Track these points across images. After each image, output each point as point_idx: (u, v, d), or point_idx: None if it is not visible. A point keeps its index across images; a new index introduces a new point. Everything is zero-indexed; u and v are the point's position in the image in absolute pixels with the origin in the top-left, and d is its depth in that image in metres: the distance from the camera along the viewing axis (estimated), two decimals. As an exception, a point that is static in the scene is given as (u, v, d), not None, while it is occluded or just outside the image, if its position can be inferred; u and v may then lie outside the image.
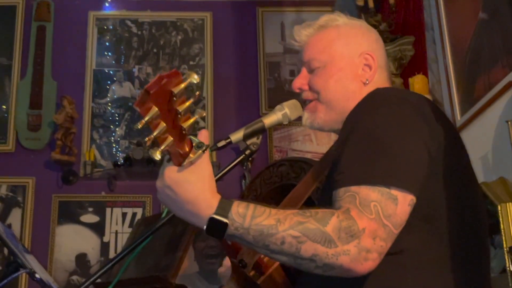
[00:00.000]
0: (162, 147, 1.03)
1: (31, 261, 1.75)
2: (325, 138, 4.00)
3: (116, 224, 3.95)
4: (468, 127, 2.77)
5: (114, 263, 1.38)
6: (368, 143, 1.18)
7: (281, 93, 4.18)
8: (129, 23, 4.40)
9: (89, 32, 4.33)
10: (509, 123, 2.18)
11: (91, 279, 1.37)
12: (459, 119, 2.85)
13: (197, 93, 1.09)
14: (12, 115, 4.09)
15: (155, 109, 1.00)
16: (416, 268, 1.17)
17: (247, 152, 1.43)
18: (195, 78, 1.04)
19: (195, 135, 1.10)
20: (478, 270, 1.26)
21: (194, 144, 1.08)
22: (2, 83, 4.17)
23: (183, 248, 2.29)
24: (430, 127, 1.23)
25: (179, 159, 1.08)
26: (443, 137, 1.24)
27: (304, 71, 1.47)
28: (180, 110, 1.02)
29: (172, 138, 1.03)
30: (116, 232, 3.94)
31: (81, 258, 3.88)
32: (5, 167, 3.98)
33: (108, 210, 3.97)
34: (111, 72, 4.29)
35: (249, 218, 1.10)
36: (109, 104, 4.21)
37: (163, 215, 1.35)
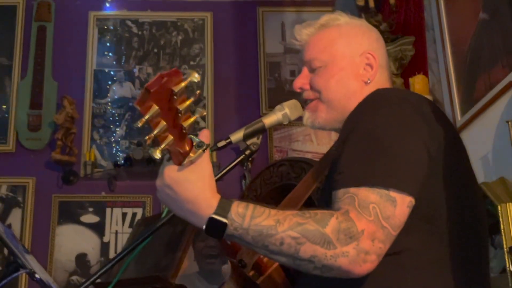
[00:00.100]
0: (162, 146, 1.03)
1: (31, 261, 1.75)
2: (326, 138, 4.00)
3: (116, 224, 3.95)
4: (468, 127, 2.77)
5: (114, 263, 1.38)
6: (368, 144, 1.18)
7: (282, 93, 4.18)
8: (129, 23, 4.40)
9: (89, 32, 4.34)
10: (510, 123, 2.18)
11: (91, 279, 1.37)
12: (459, 119, 2.85)
13: (198, 92, 1.08)
14: (13, 115, 4.09)
15: (155, 108, 1.00)
16: (415, 268, 1.17)
17: (247, 152, 1.43)
18: (195, 77, 1.04)
19: (196, 135, 1.10)
20: (478, 270, 1.26)
21: (194, 143, 1.08)
22: (2, 83, 4.17)
23: (183, 248, 2.29)
24: (430, 127, 1.22)
25: (179, 158, 1.08)
26: (443, 138, 1.24)
27: (305, 70, 1.47)
28: (180, 109, 1.02)
29: (172, 137, 1.03)
30: (116, 232, 3.94)
31: (81, 258, 3.88)
32: (5, 167, 3.98)
33: (108, 210, 3.97)
34: (111, 72, 4.29)
35: (249, 218, 1.10)
36: (110, 104, 4.21)
37: (163, 215, 1.34)
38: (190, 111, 1.06)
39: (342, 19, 1.48)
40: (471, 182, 1.32)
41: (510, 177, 2.24)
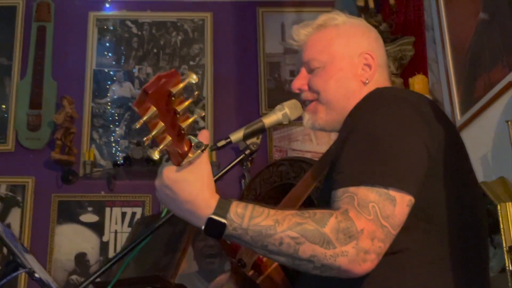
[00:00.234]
0: (161, 147, 1.03)
1: (31, 261, 1.75)
2: (325, 138, 4.00)
3: (116, 223, 3.95)
4: (468, 127, 2.77)
5: (114, 262, 1.38)
6: (367, 143, 1.18)
7: (281, 93, 4.18)
8: (129, 23, 4.40)
9: (89, 33, 4.34)
10: (509, 123, 2.18)
11: (91, 279, 1.37)
12: (459, 119, 2.85)
13: (196, 93, 1.08)
14: (12, 115, 4.09)
15: (153, 109, 1.00)
16: (415, 268, 1.17)
17: (247, 151, 1.43)
18: (193, 78, 1.04)
19: (195, 135, 1.10)
20: (478, 270, 1.26)
21: (193, 144, 1.08)
22: (2, 83, 4.17)
23: (183, 248, 2.29)
24: (430, 126, 1.22)
25: (178, 159, 1.08)
26: (443, 137, 1.23)
27: (303, 71, 1.46)
28: (178, 110, 1.02)
29: (170, 138, 1.03)
30: (116, 232, 3.94)
31: (81, 258, 3.88)
32: (4, 166, 3.98)
33: (107, 209, 3.97)
34: (111, 72, 4.29)
35: (248, 218, 1.10)
36: (109, 104, 4.21)
37: (163, 214, 1.35)
38: (189, 111, 1.06)
39: (339, 18, 1.47)
40: (471, 181, 1.31)
41: (509, 177, 2.25)
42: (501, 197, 2.09)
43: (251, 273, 1.35)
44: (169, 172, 1.10)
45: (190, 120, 1.06)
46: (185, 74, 1.04)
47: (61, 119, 3.92)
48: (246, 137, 1.43)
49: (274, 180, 1.86)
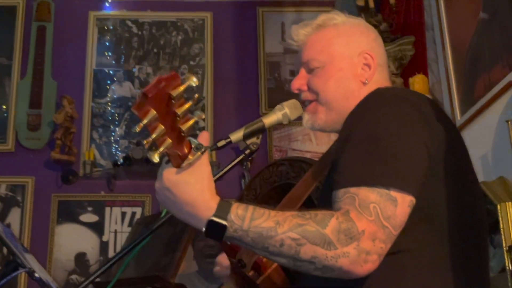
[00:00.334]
0: (161, 149, 1.03)
1: (30, 261, 1.75)
2: (325, 138, 4.00)
3: (116, 223, 3.95)
4: (468, 127, 2.77)
5: (113, 262, 1.38)
6: (368, 144, 1.18)
7: (281, 93, 4.18)
8: (129, 23, 4.40)
9: (89, 32, 4.33)
10: (509, 123, 2.18)
11: (91, 279, 1.37)
12: (459, 119, 2.85)
13: (196, 95, 1.08)
14: (12, 114, 4.09)
15: (153, 112, 1.00)
16: (415, 268, 1.17)
17: (247, 151, 1.43)
18: (194, 81, 1.03)
19: (195, 135, 1.10)
20: (478, 270, 1.26)
21: (193, 146, 1.07)
22: (2, 83, 4.17)
23: (182, 248, 2.29)
24: (430, 126, 1.22)
25: (178, 161, 1.08)
26: (444, 137, 1.23)
27: (302, 71, 1.46)
28: (178, 113, 1.02)
29: (170, 140, 1.03)
30: (116, 232, 3.94)
31: (81, 258, 3.88)
32: (4, 166, 3.98)
33: (107, 209, 3.97)
34: (111, 72, 4.29)
35: (248, 220, 1.10)
36: (109, 104, 4.21)
37: (162, 214, 1.35)
38: (189, 113, 1.06)
39: (339, 18, 1.46)
40: (471, 181, 1.31)
41: (509, 177, 2.24)
42: (501, 197, 2.09)
43: (251, 273, 1.35)
44: (169, 174, 1.10)
45: (190, 122, 1.05)
46: (185, 77, 1.03)
47: (61, 119, 3.92)
48: (246, 137, 1.42)
49: (274, 180, 1.86)
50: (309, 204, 1.41)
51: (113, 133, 4.14)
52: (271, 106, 3.97)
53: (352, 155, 1.18)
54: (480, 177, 2.32)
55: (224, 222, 1.10)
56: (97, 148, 4.10)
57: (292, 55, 4.29)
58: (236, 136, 1.42)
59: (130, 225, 3.92)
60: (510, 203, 2.01)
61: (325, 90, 1.41)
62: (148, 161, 3.78)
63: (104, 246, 3.91)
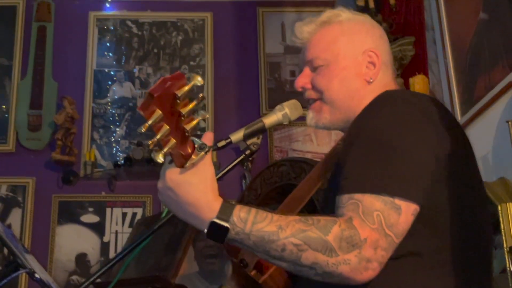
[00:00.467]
0: (165, 150, 1.03)
1: (31, 261, 1.75)
2: (326, 139, 4.00)
3: (116, 224, 3.95)
4: (468, 127, 2.77)
5: (114, 263, 1.38)
6: (374, 149, 1.16)
7: (282, 93, 4.18)
8: (129, 23, 4.40)
9: (89, 33, 4.34)
10: (510, 123, 2.18)
11: (91, 279, 1.37)
12: (459, 119, 2.85)
13: (201, 95, 1.07)
14: (13, 115, 4.09)
15: (158, 112, 1.00)
16: (417, 272, 1.16)
17: (247, 152, 1.43)
18: (199, 81, 1.03)
19: (198, 136, 1.10)
20: (480, 276, 1.25)
21: (196, 146, 1.07)
22: (2, 83, 4.17)
23: (183, 248, 2.29)
24: (438, 131, 1.21)
25: (181, 161, 1.08)
26: (451, 142, 1.22)
27: (306, 69, 1.44)
28: (183, 113, 1.02)
29: (175, 141, 1.03)
30: (116, 232, 3.94)
31: (81, 258, 3.88)
32: (5, 167, 3.98)
33: (108, 210, 3.97)
34: (111, 73, 4.29)
35: (251, 223, 1.09)
36: (110, 104, 4.21)
37: (163, 215, 1.35)
38: (193, 113, 1.06)
39: (344, 15, 1.44)
40: (477, 186, 1.30)
41: (510, 177, 2.24)
42: (502, 198, 2.09)
43: (253, 273, 1.35)
44: (172, 174, 1.10)
45: (194, 122, 1.05)
46: (190, 76, 1.03)
47: (62, 120, 3.92)
48: (246, 137, 1.42)
49: (275, 181, 1.86)
50: (310, 205, 1.41)
51: (113, 134, 4.14)
52: (272, 106, 3.97)
53: (357, 160, 1.17)
54: (481, 178, 2.33)
55: (226, 224, 1.09)
56: (97, 148, 4.10)
57: (293, 55, 4.29)
58: (237, 136, 1.42)
59: (131, 225, 3.92)
60: (510, 203, 2.00)
61: (329, 89, 1.39)
62: (148, 161, 3.78)
63: (104, 247, 3.91)
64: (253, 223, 1.09)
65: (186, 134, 1.04)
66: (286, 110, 1.46)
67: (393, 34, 3.38)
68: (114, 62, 4.31)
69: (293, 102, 1.48)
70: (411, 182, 1.13)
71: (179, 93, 1.01)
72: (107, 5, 4.43)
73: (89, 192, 3.99)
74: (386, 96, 1.29)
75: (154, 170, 3.75)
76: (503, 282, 2.01)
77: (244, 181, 3.64)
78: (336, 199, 1.15)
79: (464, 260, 1.21)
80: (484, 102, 2.62)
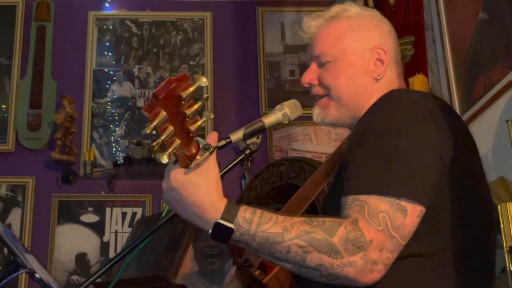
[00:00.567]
0: (170, 150, 1.03)
1: (31, 261, 1.75)
2: (325, 138, 4.00)
3: (116, 223, 3.95)
4: (468, 127, 2.76)
5: (114, 262, 1.38)
6: (380, 150, 1.16)
7: (281, 93, 4.17)
8: (129, 23, 4.40)
9: (89, 32, 4.33)
10: (509, 123, 2.18)
11: (91, 279, 1.37)
12: (459, 119, 2.85)
13: (206, 95, 1.07)
14: (12, 114, 4.09)
15: (163, 114, 1.00)
16: (419, 273, 1.16)
17: (247, 151, 1.43)
18: (203, 82, 1.03)
19: (200, 135, 1.10)
20: (483, 278, 1.25)
21: (201, 146, 1.08)
22: (2, 83, 4.16)
23: (183, 248, 2.29)
24: (444, 132, 1.20)
25: (186, 161, 1.08)
26: (456, 142, 1.21)
27: (313, 65, 1.43)
28: (188, 114, 1.02)
29: (179, 141, 1.03)
30: (116, 232, 3.94)
31: (81, 258, 3.88)
32: (5, 166, 3.98)
33: (108, 209, 3.97)
34: (111, 72, 4.29)
35: (255, 224, 1.09)
36: (109, 104, 4.21)
37: (163, 214, 1.35)
38: (197, 113, 1.06)
39: (353, 10, 1.43)
40: (481, 187, 1.29)
41: (510, 177, 2.24)
42: (502, 197, 2.09)
43: (257, 272, 1.35)
44: (176, 175, 1.09)
45: (199, 122, 1.06)
46: (195, 77, 1.04)
47: (61, 119, 3.92)
48: (246, 137, 1.42)
49: (275, 180, 1.86)
50: (310, 205, 1.41)
51: (113, 133, 4.14)
52: (271, 106, 3.97)
53: (363, 160, 1.17)
54: (481, 177, 2.33)
55: (231, 225, 1.09)
56: (97, 148, 4.10)
57: (292, 54, 4.29)
58: (236, 136, 1.42)
59: (130, 225, 3.92)
60: (510, 203, 2.00)
61: (336, 86, 1.38)
62: (148, 161, 3.78)
63: (104, 247, 3.91)
64: (258, 224, 1.09)
65: (191, 134, 1.04)
66: (286, 110, 1.46)
67: (393, 34, 3.38)
68: (114, 62, 4.30)
69: (293, 101, 1.48)
70: (416, 183, 1.13)
71: (184, 94, 1.01)
72: (107, 4, 4.42)
73: (89, 191, 3.99)
74: (391, 96, 1.28)
75: (154, 170, 3.75)
76: (503, 282, 2.01)
77: (243, 181, 3.64)
78: (341, 200, 1.15)
79: (467, 262, 1.21)
80: (484, 101, 2.62)
